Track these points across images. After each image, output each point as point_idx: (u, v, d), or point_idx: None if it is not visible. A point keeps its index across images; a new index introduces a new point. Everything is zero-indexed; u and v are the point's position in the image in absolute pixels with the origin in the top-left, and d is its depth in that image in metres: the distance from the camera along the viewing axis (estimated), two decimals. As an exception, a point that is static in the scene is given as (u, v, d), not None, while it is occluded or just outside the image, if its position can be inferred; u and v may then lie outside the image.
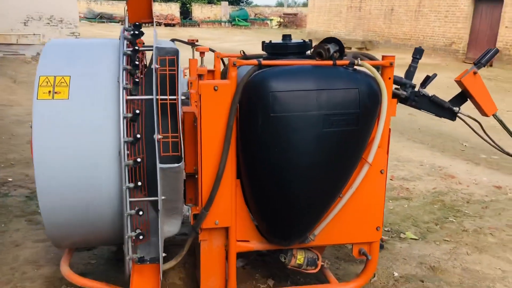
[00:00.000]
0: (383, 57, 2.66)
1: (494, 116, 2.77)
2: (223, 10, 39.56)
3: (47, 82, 2.29)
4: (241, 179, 2.61)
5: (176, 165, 2.23)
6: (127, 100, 2.24)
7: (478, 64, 2.73)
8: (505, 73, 15.09)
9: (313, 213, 2.57)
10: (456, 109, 2.78)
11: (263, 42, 2.88)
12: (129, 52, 2.36)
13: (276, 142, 2.39)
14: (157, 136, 2.19)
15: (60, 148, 2.21)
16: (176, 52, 2.39)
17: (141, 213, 2.26)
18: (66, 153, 2.22)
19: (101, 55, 2.43)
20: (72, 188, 2.24)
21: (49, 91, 2.27)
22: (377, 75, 2.50)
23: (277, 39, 2.79)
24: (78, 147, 2.23)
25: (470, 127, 2.95)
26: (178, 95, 2.26)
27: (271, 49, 2.75)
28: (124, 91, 2.24)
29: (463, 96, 2.80)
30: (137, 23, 2.60)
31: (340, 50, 2.56)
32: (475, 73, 2.71)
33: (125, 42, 2.39)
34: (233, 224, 2.64)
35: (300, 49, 2.73)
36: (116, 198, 2.28)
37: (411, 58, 2.91)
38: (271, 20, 37.28)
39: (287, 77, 2.41)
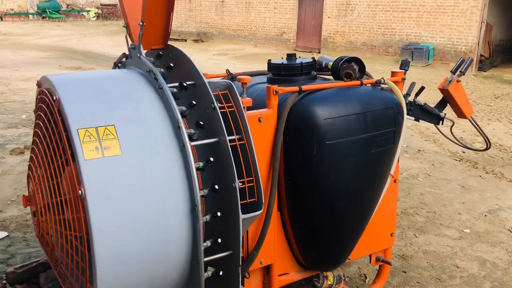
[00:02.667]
0: (393, 73, 2.77)
1: (471, 118, 3.13)
2: (29, 1, 35.49)
3: (89, 136, 1.80)
4: (280, 211, 2.48)
5: (257, 213, 2.00)
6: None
7: (460, 73, 3.04)
8: (332, 59, 16.85)
9: (359, 234, 2.58)
10: (442, 114, 3.06)
11: (269, 61, 2.74)
12: (175, 90, 2.01)
13: (332, 169, 2.32)
14: (237, 184, 1.92)
15: (122, 215, 1.79)
16: (228, 86, 2.11)
17: (221, 273, 1.98)
18: (129, 220, 1.80)
19: (136, 94, 2.01)
20: (139, 260, 1.84)
21: (96, 148, 1.80)
22: (399, 93, 2.60)
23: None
24: (142, 211, 1.83)
25: (441, 133, 3.28)
26: (248, 133, 2.01)
27: (281, 69, 2.63)
28: (188, 137, 1.91)
29: (444, 101, 3.09)
30: (160, 52, 2.22)
31: (361, 69, 2.59)
32: (458, 81, 3.02)
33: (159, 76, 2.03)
34: (276, 260, 2.50)
35: (311, 69, 2.67)
36: (187, 260, 1.95)
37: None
38: (88, 11, 34.77)
39: (335, 102, 2.35)
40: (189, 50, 19.07)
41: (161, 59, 2.20)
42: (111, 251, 1.77)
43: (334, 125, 2.28)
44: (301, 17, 18.69)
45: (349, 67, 2.51)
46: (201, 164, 1.92)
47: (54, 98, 1.89)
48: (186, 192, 1.91)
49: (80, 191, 1.74)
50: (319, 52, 17.93)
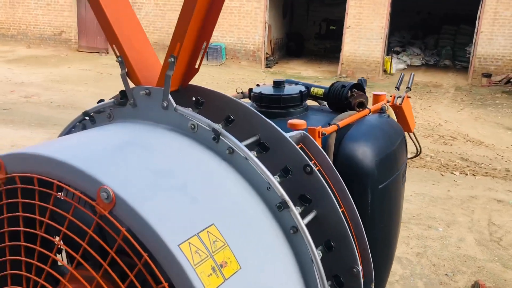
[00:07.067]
0: (376, 97, 2.59)
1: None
2: None
3: (197, 253, 1.10)
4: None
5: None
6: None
7: (407, 89, 3.07)
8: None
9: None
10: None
11: (255, 91, 2.29)
12: (254, 153, 1.42)
13: (382, 213, 2.05)
14: (359, 268, 1.46)
15: None
16: (302, 138, 1.60)
17: None
18: None
19: (203, 166, 1.35)
20: None
21: (213, 268, 1.11)
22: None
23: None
24: None
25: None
26: (348, 199, 1.56)
27: (280, 101, 2.21)
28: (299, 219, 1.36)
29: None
30: (199, 99, 1.54)
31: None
32: (408, 97, 3.04)
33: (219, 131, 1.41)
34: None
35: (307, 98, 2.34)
36: None
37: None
38: None
39: (375, 138, 2.06)
40: None
41: (201, 108, 1.54)
42: None
43: (382, 165, 2.00)
44: (81, 15, 17.05)
45: (361, 96, 2.25)
46: (320, 252, 1.42)
47: (106, 195, 1.11)
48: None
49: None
50: (108, 53, 16.73)
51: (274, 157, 1.49)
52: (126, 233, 1.11)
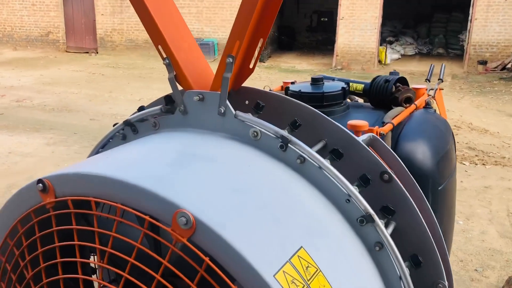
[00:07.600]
0: (417, 90, 2.46)
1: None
2: None
3: (293, 282, 0.94)
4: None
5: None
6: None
7: (439, 81, 2.93)
8: (114, 58, 15.62)
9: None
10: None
11: (287, 88, 2.14)
12: (328, 161, 1.27)
13: (441, 216, 1.90)
14: (446, 284, 1.32)
15: None
16: (371, 141, 1.45)
17: None
18: None
19: (276, 179, 1.20)
20: None
21: None
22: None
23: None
24: None
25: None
26: (428, 210, 1.41)
27: (323, 99, 2.06)
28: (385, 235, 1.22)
29: (424, 111, 2.96)
30: (259, 103, 1.37)
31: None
32: (441, 89, 2.91)
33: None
34: None
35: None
36: None
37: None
38: None
39: (432, 137, 1.92)
40: None
41: (261, 112, 1.38)
42: None
43: (441, 165, 1.86)
44: (68, 14, 16.70)
45: (408, 91, 2.10)
46: (407, 269, 1.27)
47: (185, 220, 0.95)
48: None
49: None
50: (97, 53, 16.42)
51: (346, 164, 1.33)
52: (210, 263, 0.95)
